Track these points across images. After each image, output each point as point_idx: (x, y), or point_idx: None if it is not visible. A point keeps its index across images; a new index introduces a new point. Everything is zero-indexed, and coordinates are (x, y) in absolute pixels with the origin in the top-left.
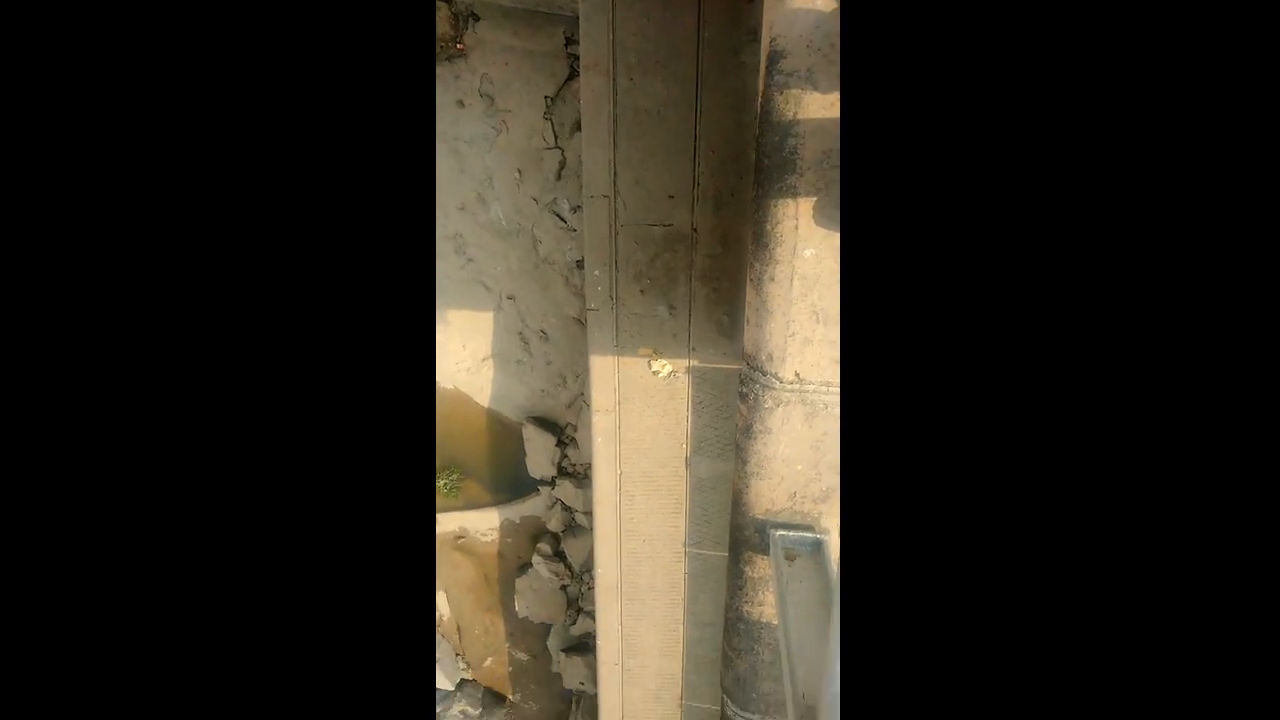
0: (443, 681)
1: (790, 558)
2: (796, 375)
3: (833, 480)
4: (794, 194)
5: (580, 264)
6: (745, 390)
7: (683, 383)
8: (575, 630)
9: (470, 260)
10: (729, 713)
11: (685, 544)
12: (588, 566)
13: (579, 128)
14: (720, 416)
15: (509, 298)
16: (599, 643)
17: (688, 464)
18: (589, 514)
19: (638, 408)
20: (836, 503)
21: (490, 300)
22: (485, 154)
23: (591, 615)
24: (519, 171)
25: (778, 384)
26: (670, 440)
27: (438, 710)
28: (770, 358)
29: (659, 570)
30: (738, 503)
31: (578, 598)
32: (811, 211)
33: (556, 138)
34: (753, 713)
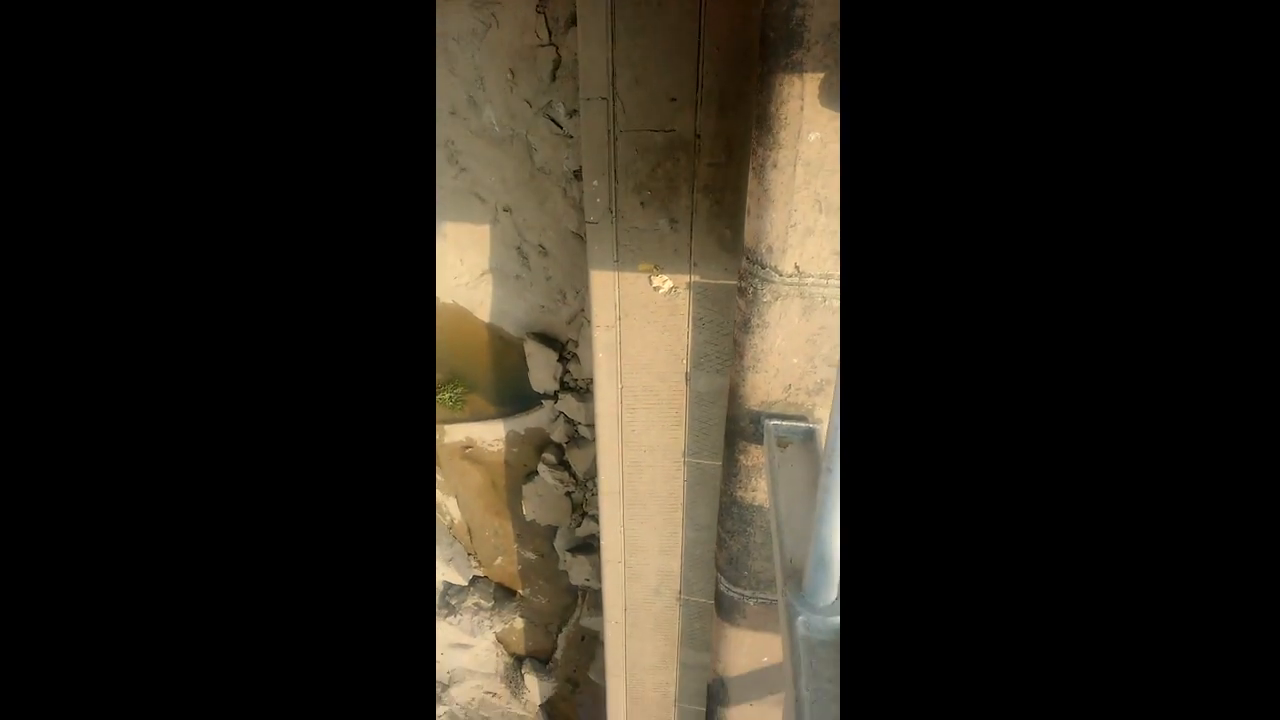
0: (456, 577)
1: (783, 445)
2: (796, 268)
3: (827, 373)
4: (800, 70)
5: (578, 174)
6: (744, 285)
7: (684, 298)
8: (580, 532)
9: (463, 170)
10: (722, 588)
11: (685, 454)
12: (591, 474)
13: (574, 22)
14: (720, 332)
15: (505, 210)
16: (603, 543)
17: (688, 379)
18: (591, 426)
19: (638, 323)
20: (829, 395)
21: (486, 213)
22: (475, 51)
23: (595, 519)
24: (511, 72)
25: (777, 278)
26: (671, 356)
27: (453, 603)
28: (770, 250)
29: (659, 478)
30: (734, 395)
31: (582, 503)
32: (818, 91)
33: (550, 34)
34: (744, 588)
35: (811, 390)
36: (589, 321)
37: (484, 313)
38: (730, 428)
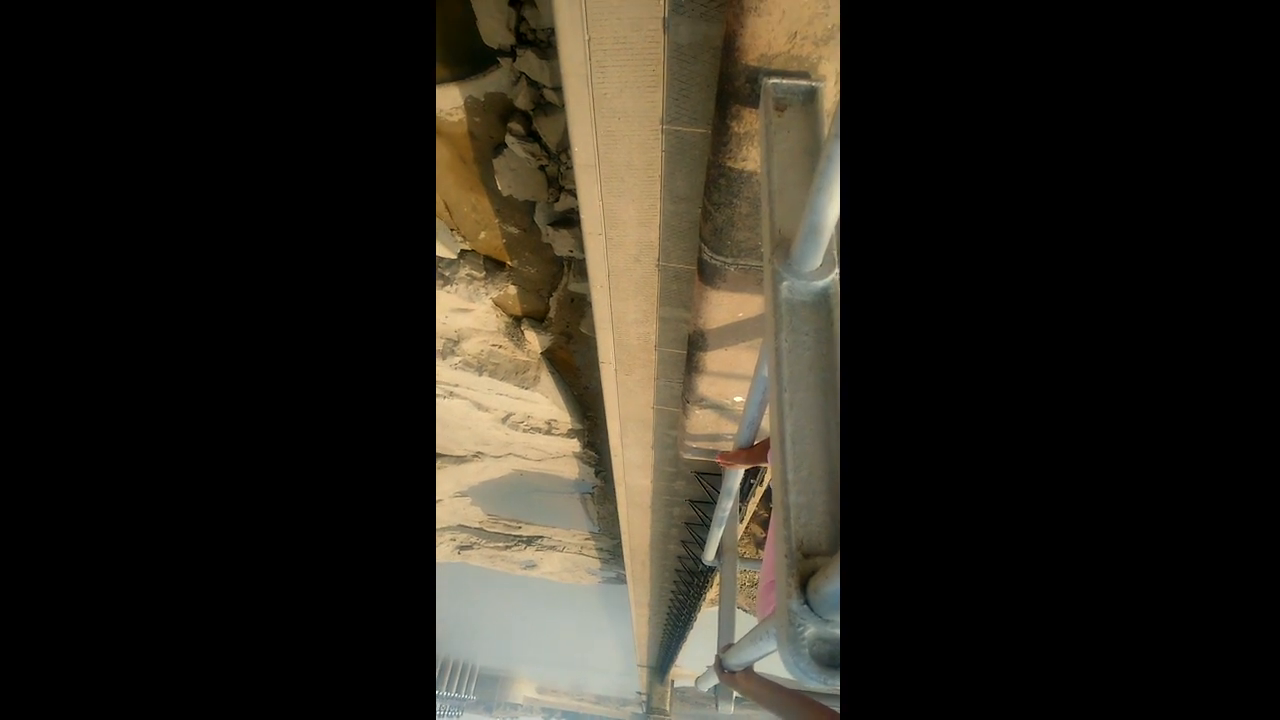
0: (445, 252)
1: (780, 108)
2: None
3: (838, 16)
4: None
5: None
6: None
7: None
8: (559, 207)
9: None
10: (705, 258)
11: (662, 121)
12: (564, 146)
13: None
14: None
15: None
16: (582, 217)
17: (666, 26)
18: (558, 90)
19: None
20: (837, 44)
21: None
22: None
23: (573, 193)
24: None
25: None
26: None
27: (446, 275)
28: None
29: (635, 149)
30: (729, 48)
31: (557, 177)
32: None
33: None
34: (726, 256)
35: (820, 39)
36: None
37: None
38: (723, 89)
